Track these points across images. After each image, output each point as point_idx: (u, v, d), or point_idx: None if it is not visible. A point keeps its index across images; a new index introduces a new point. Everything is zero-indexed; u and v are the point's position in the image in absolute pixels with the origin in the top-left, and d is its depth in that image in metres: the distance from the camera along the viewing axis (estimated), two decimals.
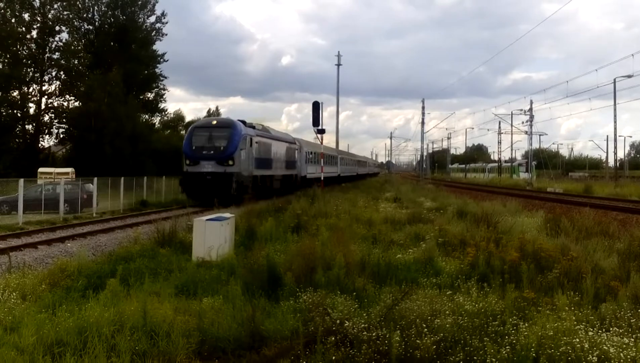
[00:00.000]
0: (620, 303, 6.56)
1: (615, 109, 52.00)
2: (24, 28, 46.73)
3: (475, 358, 5.09)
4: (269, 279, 7.96)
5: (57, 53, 48.49)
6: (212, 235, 10.52)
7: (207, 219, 10.96)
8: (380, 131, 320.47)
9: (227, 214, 11.90)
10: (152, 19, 53.31)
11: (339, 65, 60.99)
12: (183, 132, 49.98)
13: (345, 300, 6.89)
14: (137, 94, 52.81)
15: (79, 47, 49.64)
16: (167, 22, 54.20)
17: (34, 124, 47.99)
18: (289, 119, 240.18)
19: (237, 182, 26.74)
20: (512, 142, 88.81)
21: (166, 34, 54.49)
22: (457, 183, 69.92)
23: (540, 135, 75.27)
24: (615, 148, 57.07)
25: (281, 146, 36.65)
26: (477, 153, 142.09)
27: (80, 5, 49.52)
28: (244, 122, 30.05)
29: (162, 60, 55.23)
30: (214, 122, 30.32)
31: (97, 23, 51.57)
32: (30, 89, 47.69)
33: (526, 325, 5.82)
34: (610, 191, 39.62)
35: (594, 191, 40.89)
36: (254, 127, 31.11)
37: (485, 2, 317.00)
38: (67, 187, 24.34)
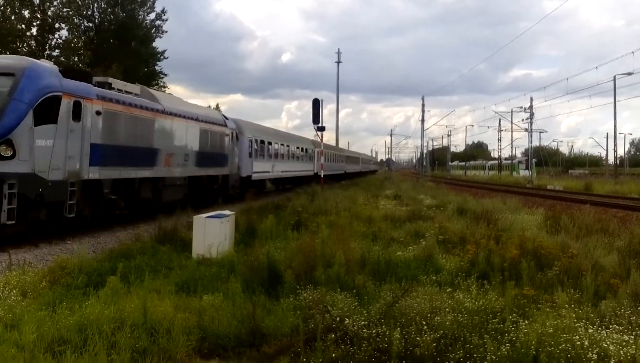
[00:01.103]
0: (620, 301, 6.57)
1: (615, 107, 52.05)
2: (23, 25, 46.68)
3: (475, 355, 5.10)
4: (269, 276, 7.96)
5: (57, 50, 48.44)
6: (212, 232, 10.52)
7: (207, 217, 10.96)
8: (380, 128, 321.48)
9: (227, 212, 11.91)
10: (152, 16, 53.19)
11: (339, 62, 61.22)
12: None
13: (345, 297, 6.89)
14: None
15: (79, 45, 49.61)
16: (167, 20, 54.07)
17: None
18: (289, 116, 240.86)
19: (21, 195, 11.99)
20: (512, 139, 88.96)
21: (166, 31, 54.36)
22: (457, 180, 69.94)
23: (540, 132, 75.63)
24: (615, 145, 57.10)
25: (186, 127, 20.32)
26: (477, 151, 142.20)
27: (80, 3, 49.39)
28: (80, 73, 15.54)
29: (162, 57, 55.16)
30: None
31: (97, 20, 51.44)
32: None
33: (526, 322, 5.83)
34: (610, 189, 39.66)
35: (594, 188, 40.93)
36: (108, 85, 15.93)
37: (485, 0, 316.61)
38: None
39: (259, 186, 29.93)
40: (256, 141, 29.37)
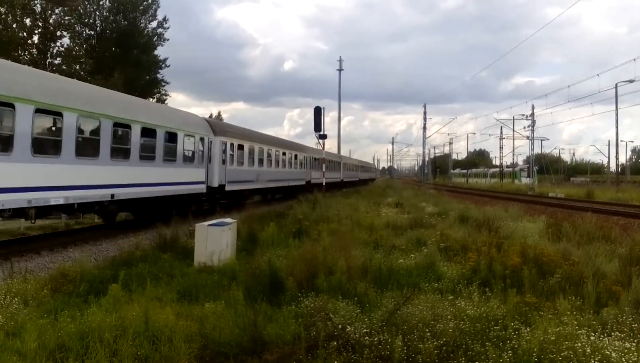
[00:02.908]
0: (622, 308, 6.57)
1: (617, 114, 52.19)
2: (25, 33, 46.84)
3: (477, 362, 5.09)
4: (270, 284, 7.96)
5: (58, 58, 48.59)
6: (213, 240, 10.53)
7: (209, 225, 10.98)
8: (382, 136, 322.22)
9: (228, 220, 11.92)
10: (154, 24, 53.52)
11: (340, 70, 61.42)
12: None
13: (347, 305, 6.89)
14: None
15: (81, 53, 49.76)
16: (168, 27, 54.38)
17: None
18: (291, 124, 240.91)
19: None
20: (513, 147, 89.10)
21: (168, 39, 54.63)
22: (458, 188, 69.92)
23: (542, 140, 75.69)
24: (617, 152, 57.13)
25: None
26: (478, 158, 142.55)
27: (81, 11, 49.64)
28: None
29: (163, 65, 55.38)
30: None
31: (98, 28, 51.69)
32: None
33: (528, 329, 5.83)
34: (611, 196, 39.62)
35: (596, 196, 40.89)
36: None
37: (487, 6, 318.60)
38: None
39: None
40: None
